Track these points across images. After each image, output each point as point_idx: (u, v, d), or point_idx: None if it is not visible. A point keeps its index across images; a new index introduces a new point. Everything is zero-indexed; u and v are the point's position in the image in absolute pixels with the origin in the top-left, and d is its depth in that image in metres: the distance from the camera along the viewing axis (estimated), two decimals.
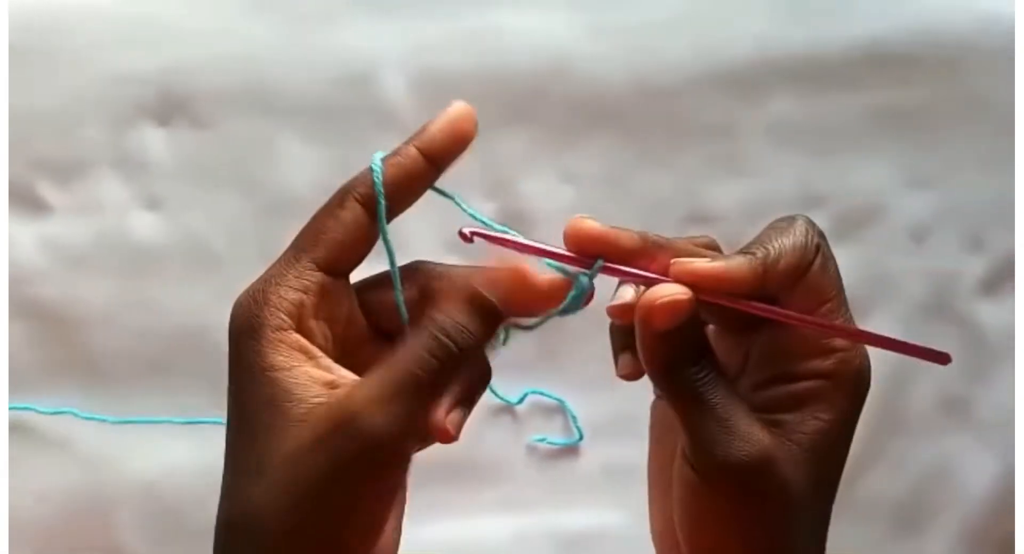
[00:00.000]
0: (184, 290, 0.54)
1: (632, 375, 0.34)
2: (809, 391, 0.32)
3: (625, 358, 0.34)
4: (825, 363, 0.32)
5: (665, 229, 0.56)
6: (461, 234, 0.32)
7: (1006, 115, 0.57)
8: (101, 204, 0.55)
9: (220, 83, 0.55)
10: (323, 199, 0.33)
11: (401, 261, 0.34)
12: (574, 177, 0.56)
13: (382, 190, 0.31)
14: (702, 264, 0.31)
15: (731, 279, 0.31)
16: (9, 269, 0.54)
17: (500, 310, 0.30)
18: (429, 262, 0.34)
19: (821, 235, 0.32)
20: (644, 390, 0.35)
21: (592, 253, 0.32)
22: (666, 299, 0.30)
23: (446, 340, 0.29)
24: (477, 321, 0.30)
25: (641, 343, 0.32)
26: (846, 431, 0.32)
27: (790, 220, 0.32)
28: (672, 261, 0.31)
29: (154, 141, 0.55)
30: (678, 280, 0.31)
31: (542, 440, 0.56)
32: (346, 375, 0.31)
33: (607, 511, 0.55)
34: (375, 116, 0.55)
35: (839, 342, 0.32)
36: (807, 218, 0.32)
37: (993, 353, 0.58)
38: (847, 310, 0.32)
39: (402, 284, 0.33)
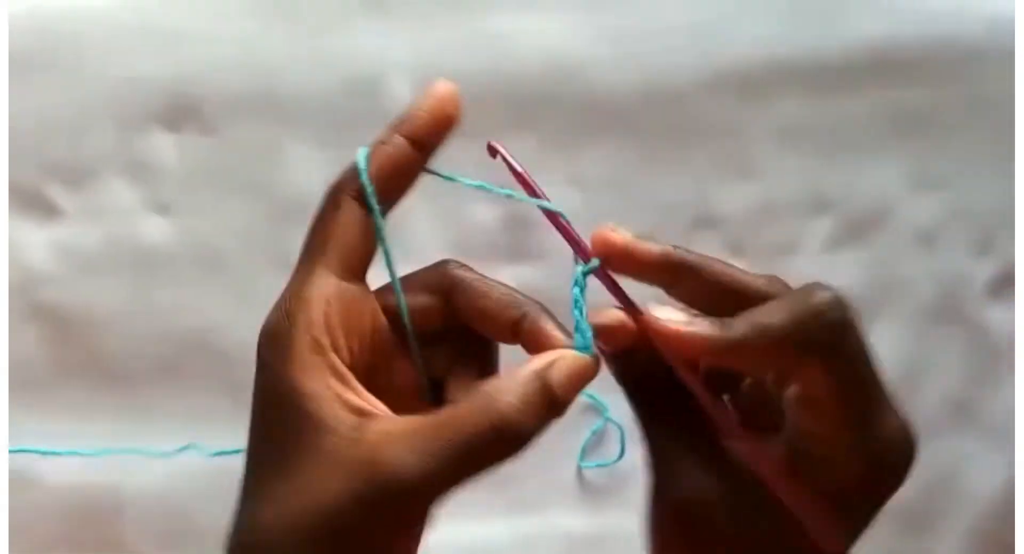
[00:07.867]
0: (194, 294, 0.55)
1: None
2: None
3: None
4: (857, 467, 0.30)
5: (673, 232, 0.57)
6: (490, 146, 0.32)
7: (1015, 118, 0.57)
8: (112, 209, 0.55)
9: (229, 88, 0.55)
10: None
11: (406, 261, 0.33)
12: (581, 181, 0.56)
13: (371, 187, 0.30)
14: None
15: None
16: (21, 273, 0.54)
17: (564, 408, 0.29)
18: (457, 266, 0.32)
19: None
20: None
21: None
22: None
23: (501, 432, 0.28)
24: (542, 418, 0.28)
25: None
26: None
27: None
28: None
29: (164, 146, 0.55)
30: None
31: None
32: (375, 403, 0.29)
33: (615, 513, 0.55)
34: (383, 121, 0.55)
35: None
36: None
37: (1001, 356, 0.58)
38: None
39: (424, 288, 0.32)
